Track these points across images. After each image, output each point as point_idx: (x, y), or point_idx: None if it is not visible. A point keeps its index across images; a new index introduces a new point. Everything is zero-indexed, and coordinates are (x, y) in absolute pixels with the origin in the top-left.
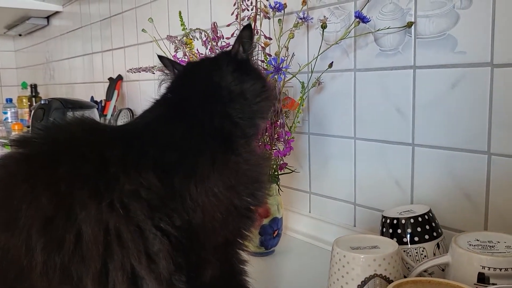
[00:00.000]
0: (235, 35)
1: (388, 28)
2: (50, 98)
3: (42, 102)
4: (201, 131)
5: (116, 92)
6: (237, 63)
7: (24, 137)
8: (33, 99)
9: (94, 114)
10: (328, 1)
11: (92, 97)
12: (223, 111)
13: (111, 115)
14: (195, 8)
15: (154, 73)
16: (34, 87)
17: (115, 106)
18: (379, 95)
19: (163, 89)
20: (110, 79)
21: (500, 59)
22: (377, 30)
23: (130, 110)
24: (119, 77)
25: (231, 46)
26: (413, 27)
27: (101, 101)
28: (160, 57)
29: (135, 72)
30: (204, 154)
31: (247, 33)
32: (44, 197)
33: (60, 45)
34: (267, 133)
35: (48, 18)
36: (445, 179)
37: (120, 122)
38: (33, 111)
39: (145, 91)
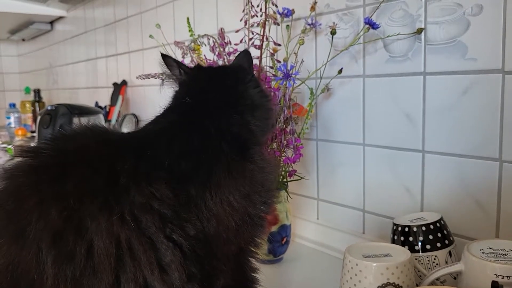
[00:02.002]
0: (244, 41)
1: (398, 35)
2: (57, 104)
3: (49, 108)
4: (218, 138)
5: (120, 97)
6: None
7: (33, 147)
8: (37, 104)
9: (100, 119)
10: (336, 7)
11: (96, 102)
12: (242, 118)
13: (116, 121)
14: (200, 13)
15: (163, 79)
16: (37, 92)
17: (119, 111)
18: (388, 102)
19: (168, 91)
20: (115, 84)
21: (511, 66)
22: (387, 36)
23: (134, 115)
24: (124, 82)
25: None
26: (423, 33)
27: (105, 106)
28: (163, 56)
29: (143, 78)
30: (221, 162)
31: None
32: (53, 211)
33: (64, 50)
34: (276, 140)
35: (51, 23)
36: (456, 186)
37: (125, 127)
38: (39, 117)
39: (150, 96)
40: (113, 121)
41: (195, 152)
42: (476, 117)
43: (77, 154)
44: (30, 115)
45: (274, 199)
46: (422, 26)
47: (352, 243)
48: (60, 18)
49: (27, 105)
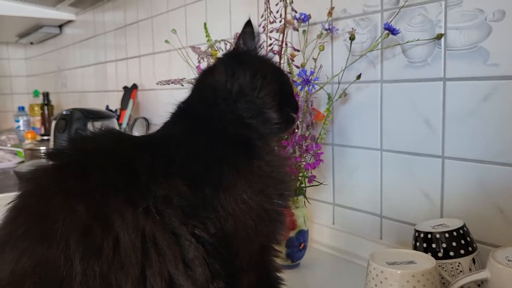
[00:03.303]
0: (262, 46)
1: (417, 40)
2: (72, 109)
3: (64, 112)
4: (221, 140)
5: (131, 101)
6: (230, 58)
7: (53, 149)
8: (45, 107)
9: (114, 123)
10: (353, 12)
11: (107, 106)
12: (235, 116)
13: (127, 124)
14: (213, 17)
15: (183, 85)
16: (46, 95)
17: (130, 115)
18: (407, 107)
19: (180, 96)
20: (125, 88)
21: None
22: (406, 42)
23: (145, 119)
24: (134, 86)
25: None
26: (442, 39)
27: (116, 110)
28: None
29: (164, 84)
30: (228, 163)
31: (248, 28)
32: (80, 207)
33: (73, 53)
34: (297, 146)
35: (60, 26)
36: (477, 192)
37: (136, 131)
38: (54, 122)
39: (161, 100)
40: (124, 125)
41: (202, 155)
42: (497, 123)
43: (98, 153)
44: (38, 118)
45: (289, 190)
46: (442, 32)
47: (368, 248)
48: (69, 21)
49: (36, 108)
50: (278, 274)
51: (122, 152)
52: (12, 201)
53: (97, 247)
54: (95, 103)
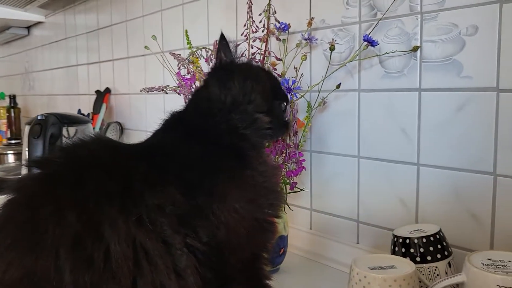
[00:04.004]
0: (244, 55)
1: (394, 52)
2: (46, 114)
3: (39, 117)
4: (215, 150)
5: (104, 105)
6: (219, 70)
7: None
8: (12, 110)
9: (89, 128)
10: (332, 22)
11: (79, 110)
12: (229, 127)
13: (100, 129)
14: (191, 23)
15: (167, 93)
16: (13, 97)
17: (103, 119)
18: (384, 116)
19: (155, 101)
20: (98, 91)
21: (506, 85)
22: (384, 54)
23: (119, 123)
24: (107, 90)
25: None
26: (418, 51)
27: (88, 114)
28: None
29: (148, 92)
30: (222, 172)
31: (223, 41)
32: (72, 216)
33: (41, 55)
34: (281, 154)
35: (28, 28)
36: (451, 199)
37: (109, 135)
38: (28, 127)
39: (135, 104)
40: (97, 129)
41: (196, 164)
42: (471, 132)
43: (91, 159)
44: (4, 121)
45: (280, 200)
46: (418, 44)
47: (345, 253)
48: (38, 23)
49: (2, 110)
50: (268, 282)
51: (115, 160)
52: None
53: (88, 257)
54: (65, 107)
